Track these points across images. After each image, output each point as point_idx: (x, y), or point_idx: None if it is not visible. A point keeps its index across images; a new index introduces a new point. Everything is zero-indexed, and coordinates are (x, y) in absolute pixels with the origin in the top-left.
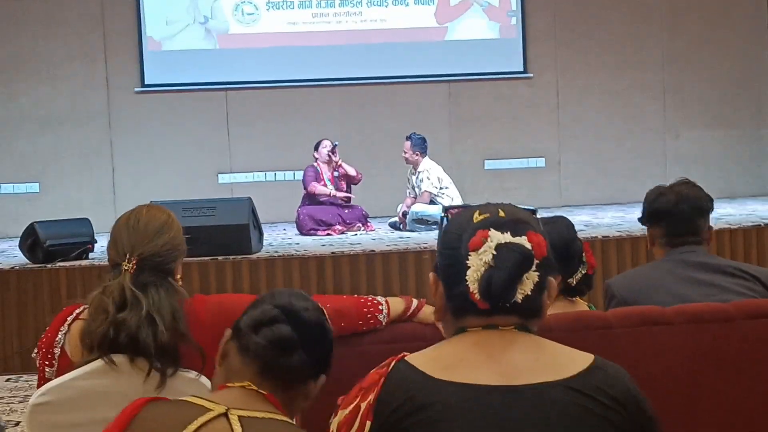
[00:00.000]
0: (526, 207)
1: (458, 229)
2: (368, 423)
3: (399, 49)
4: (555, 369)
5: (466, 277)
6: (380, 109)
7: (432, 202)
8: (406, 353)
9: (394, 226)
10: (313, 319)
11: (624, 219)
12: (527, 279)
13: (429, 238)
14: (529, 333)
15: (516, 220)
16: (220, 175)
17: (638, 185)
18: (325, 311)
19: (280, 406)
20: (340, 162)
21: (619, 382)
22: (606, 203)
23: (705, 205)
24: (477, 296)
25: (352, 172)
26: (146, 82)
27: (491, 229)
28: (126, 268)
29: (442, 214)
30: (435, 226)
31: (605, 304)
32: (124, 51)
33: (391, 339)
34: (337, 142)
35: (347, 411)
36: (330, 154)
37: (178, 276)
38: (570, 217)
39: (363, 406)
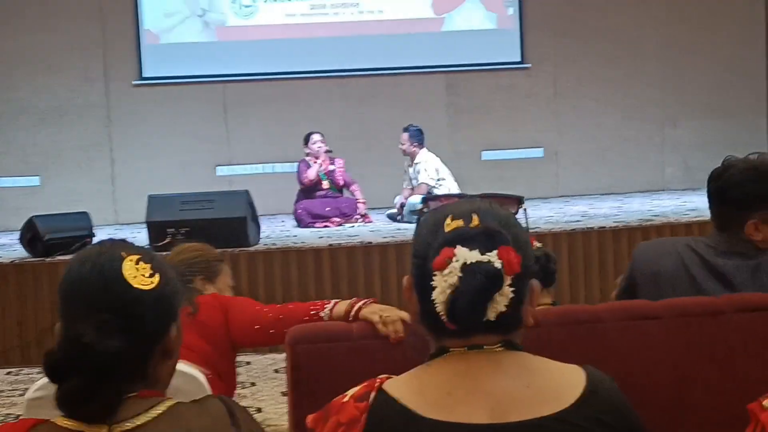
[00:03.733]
0: (511, 195)
1: (428, 235)
2: None
3: (396, 40)
4: (548, 398)
5: (433, 297)
6: (378, 100)
7: (429, 193)
8: (383, 377)
9: (392, 218)
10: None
11: (621, 209)
12: (500, 296)
13: None
14: (516, 350)
15: (488, 232)
16: (218, 168)
17: (636, 175)
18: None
19: (157, 393)
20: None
21: (614, 407)
22: (604, 193)
23: None
24: (444, 318)
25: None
26: (144, 75)
27: (458, 246)
28: None
29: (422, 205)
30: None
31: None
32: (122, 44)
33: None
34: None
35: None
36: (323, 147)
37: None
38: (567, 208)
39: None
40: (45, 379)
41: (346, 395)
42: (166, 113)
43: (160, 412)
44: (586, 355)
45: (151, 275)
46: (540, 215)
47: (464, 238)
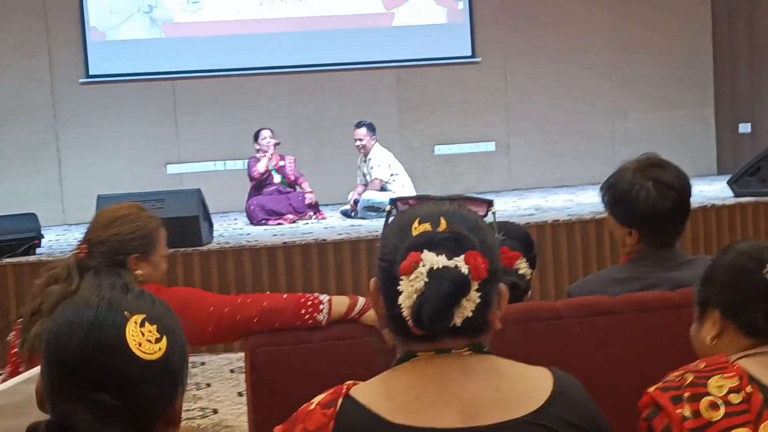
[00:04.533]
0: (481, 198)
1: (394, 238)
2: None
3: (346, 35)
4: (517, 401)
5: (399, 302)
6: (329, 96)
7: (383, 189)
8: (350, 384)
9: (345, 214)
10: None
11: (573, 202)
12: (467, 302)
13: (381, 225)
14: (484, 354)
15: (456, 236)
16: (168, 166)
17: (587, 167)
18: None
19: None
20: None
21: (582, 408)
22: (556, 186)
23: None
24: (410, 323)
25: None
26: (91, 73)
27: (424, 251)
28: (75, 251)
29: (389, 206)
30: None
31: None
32: (67, 41)
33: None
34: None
35: None
36: (272, 142)
37: (138, 271)
38: (520, 201)
39: None
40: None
41: (312, 402)
42: (114, 112)
43: None
44: (546, 352)
45: (158, 339)
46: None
47: (431, 242)
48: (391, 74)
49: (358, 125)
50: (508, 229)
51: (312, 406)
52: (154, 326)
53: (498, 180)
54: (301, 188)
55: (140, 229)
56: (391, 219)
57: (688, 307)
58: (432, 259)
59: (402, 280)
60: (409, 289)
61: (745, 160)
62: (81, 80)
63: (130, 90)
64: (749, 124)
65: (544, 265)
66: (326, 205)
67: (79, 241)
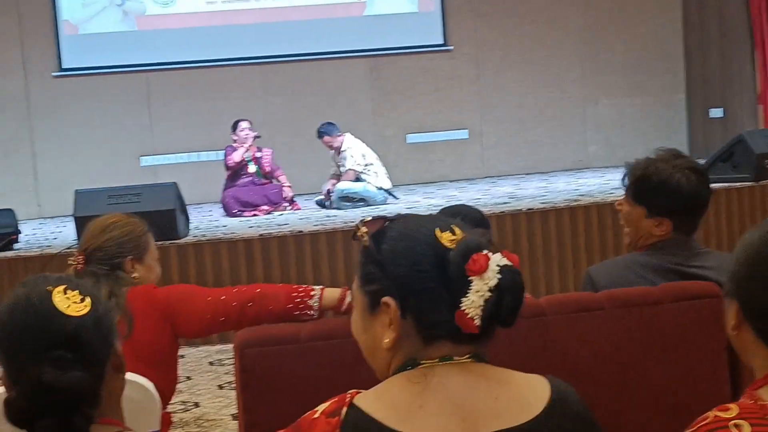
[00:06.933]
0: (472, 207)
1: (422, 248)
2: None
3: (319, 25)
4: (516, 409)
5: (461, 303)
6: (302, 86)
7: (358, 179)
8: (353, 392)
9: (320, 204)
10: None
11: (547, 189)
12: None
13: (356, 215)
14: (482, 362)
15: (487, 240)
16: (143, 158)
17: (560, 153)
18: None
19: (116, 420)
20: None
21: (579, 415)
22: (529, 172)
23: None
24: (476, 322)
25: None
26: (64, 66)
27: (484, 251)
28: (72, 263)
29: (362, 230)
30: (361, 204)
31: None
32: (40, 35)
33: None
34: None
35: None
36: (250, 133)
37: (135, 273)
38: (494, 189)
39: None
40: None
41: (316, 411)
42: (88, 104)
43: None
44: (530, 349)
45: (82, 299)
46: (468, 197)
47: (482, 245)
48: (364, 63)
49: (319, 135)
50: (464, 212)
51: (316, 415)
52: (76, 291)
53: (471, 167)
54: (278, 181)
55: (132, 233)
56: (386, 245)
57: (669, 303)
58: (496, 258)
59: (474, 281)
60: (482, 288)
61: (716, 145)
62: (54, 74)
63: (104, 83)
64: (721, 109)
65: (520, 255)
66: (301, 194)
67: (75, 252)
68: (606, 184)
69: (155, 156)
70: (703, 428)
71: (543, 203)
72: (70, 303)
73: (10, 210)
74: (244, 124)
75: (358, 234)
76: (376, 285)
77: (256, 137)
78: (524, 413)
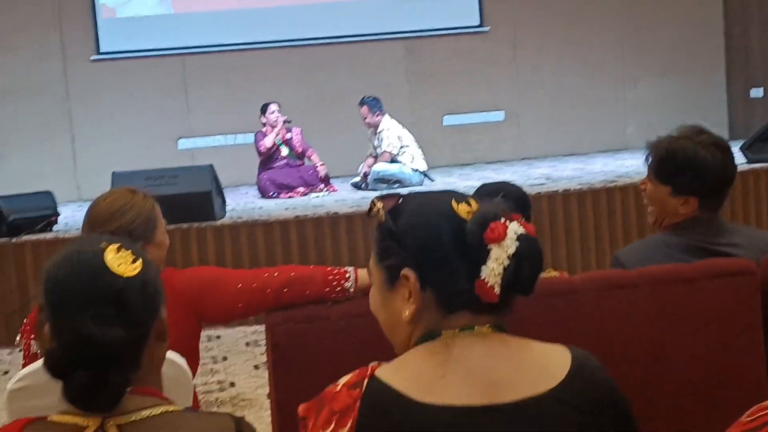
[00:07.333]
0: (514, 185)
1: (440, 219)
2: None
3: (355, 7)
4: (537, 378)
5: (481, 272)
6: (338, 68)
7: (393, 160)
8: (375, 365)
9: (356, 186)
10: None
11: (584, 170)
12: None
13: None
14: (502, 332)
15: (503, 209)
16: (180, 141)
17: (598, 135)
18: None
19: (155, 391)
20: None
21: (600, 383)
22: (565, 154)
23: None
24: (496, 290)
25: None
26: (102, 50)
27: (502, 219)
28: None
29: (379, 205)
30: (397, 185)
31: None
32: (78, 19)
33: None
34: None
35: None
36: (279, 116)
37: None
38: (530, 170)
39: None
40: (27, 369)
41: (338, 384)
42: (126, 88)
43: (158, 413)
44: (563, 327)
45: (134, 260)
46: (504, 179)
47: (498, 213)
48: (400, 45)
49: (361, 103)
50: (506, 190)
51: (338, 388)
52: (129, 251)
53: (508, 149)
54: (311, 161)
55: (140, 215)
56: (399, 213)
57: (703, 280)
58: (514, 226)
59: (493, 249)
60: (501, 255)
61: (757, 125)
62: (92, 57)
63: (141, 66)
64: (761, 89)
65: (556, 235)
66: (337, 177)
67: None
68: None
69: (192, 139)
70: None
71: (580, 184)
72: (121, 262)
73: (49, 192)
74: (273, 107)
75: (374, 210)
76: (393, 259)
77: (285, 122)
78: (545, 382)
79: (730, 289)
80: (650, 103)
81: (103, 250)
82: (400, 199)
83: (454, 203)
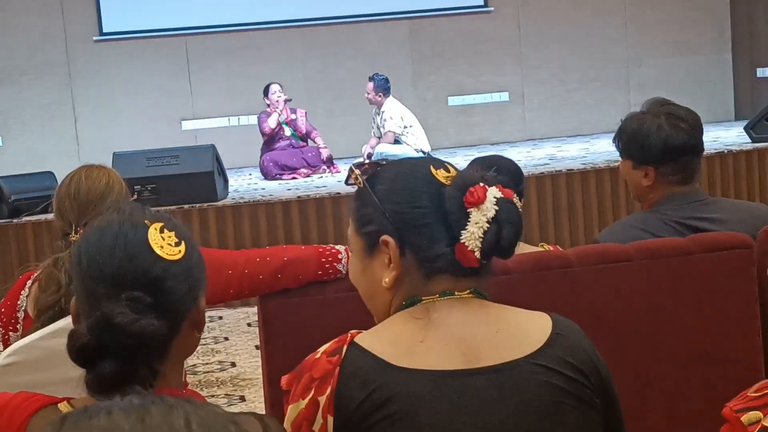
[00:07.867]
0: (507, 158)
1: (419, 184)
2: (330, 418)
3: None
4: (517, 342)
5: (461, 235)
6: (342, 48)
7: (397, 141)
8: (354, 332)
9: None
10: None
11: (588, 151)
12: None
13: None
14: (483, 298)
15: (481, 175)
16: (183, 122)
17: (602, 116)
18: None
19: (179, 391)
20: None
21: (581, 349)
22: (570, 135)
23: None
24: (476, 254)
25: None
26: (104, 31)
27: (482, 183)
28: (74, 239)
29: (356, 173)
30: None
31: None
32: (80, 0)
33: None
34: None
35: (303, 404)
36: (282, 96)
37: None
38: (535, 151)
39: (322, 400)
40: (17, 344)
41: (318, 352)
42: (129, 68)
43: None
44: (558, 301)
45: (178, 243)
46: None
47: (476, 178)
48: (404, 26)
49: (370, 79)
50: (499, 163)
51: (318, 355)
52: (173, 232)
53: (513, 130)
54: (315, 142)
55: (122, 188)
56: (378, 179)
57: (699, 254)
58: (493, 191)
59: (472, 212)
60: (481, 219)
61: (763, 105)
62: (95, 38)
63: (144, 47)
64: None
65: (560, 215)
66: (340, 158)
67: (74, 227)
68: None
69: (195, 120)
70: None
71: (583, 164)
72: (164, 244)
73: (50, 173)
74: (275, 87)
75: (352, 177)
76: (373, 225)
77: (286, 101)
78: (525, 346)
79: (726, 263)
80: (655, 83)
81: (147, 227)
82: (378, 167)
83: (432, 168)
